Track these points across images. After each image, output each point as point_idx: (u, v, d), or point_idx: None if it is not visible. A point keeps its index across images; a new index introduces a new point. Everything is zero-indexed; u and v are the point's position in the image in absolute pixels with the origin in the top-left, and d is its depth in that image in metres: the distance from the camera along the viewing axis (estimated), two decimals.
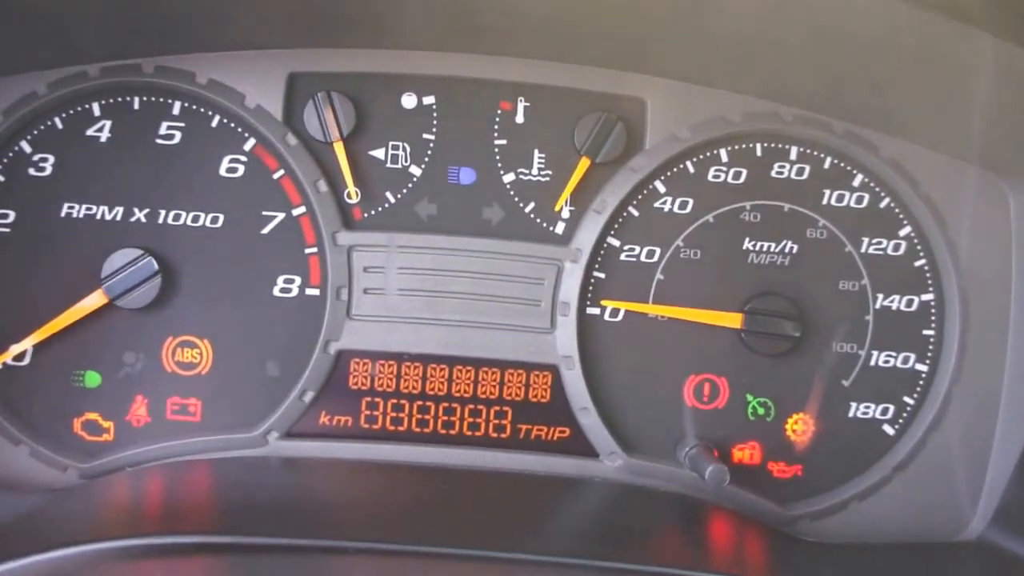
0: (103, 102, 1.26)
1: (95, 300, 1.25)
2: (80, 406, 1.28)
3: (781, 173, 1.30)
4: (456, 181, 1.30)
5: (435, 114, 1.30)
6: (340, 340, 1.28)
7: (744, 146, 1.30)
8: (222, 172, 1.27)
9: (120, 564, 0.92)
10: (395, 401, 1.29)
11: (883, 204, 1.31)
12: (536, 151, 1.30)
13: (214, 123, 1.27)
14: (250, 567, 0.94)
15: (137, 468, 1.26)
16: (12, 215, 1.26)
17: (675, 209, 1.30)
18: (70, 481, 1.27)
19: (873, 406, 1.31)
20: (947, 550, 1.31)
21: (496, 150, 1.30)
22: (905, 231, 1.31)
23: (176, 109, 1.27)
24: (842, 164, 1.31)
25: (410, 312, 1.28)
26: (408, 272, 1.28)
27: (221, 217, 1.27)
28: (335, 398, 1.29)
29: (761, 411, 1.31)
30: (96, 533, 0.95)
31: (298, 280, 1.28)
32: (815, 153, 1.31)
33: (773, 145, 1.30)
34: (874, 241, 1.31)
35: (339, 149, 1.27)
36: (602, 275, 1.30)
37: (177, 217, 1.27)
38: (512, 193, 1.30)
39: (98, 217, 1.27)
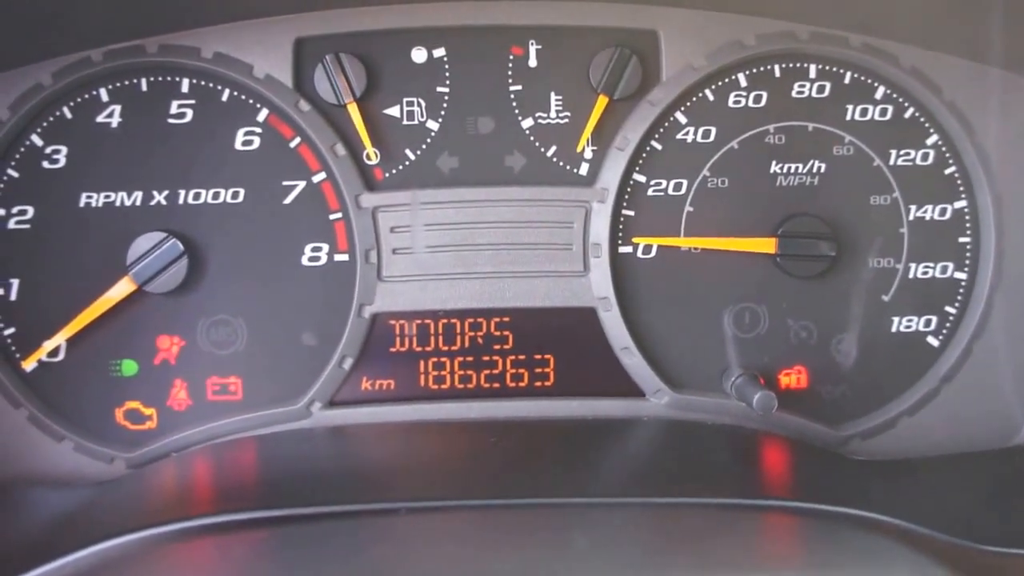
0: (110, 87, 1.24)
1: (124, 288, 1.24)
2: (120, 396, 1.27)
3: (802, 92, 1.28)
4: (475, 132, 1.28)
5: (447, 66, 1.28)
6: (374, 303, 1.27)
7: (762, 69, 1.28)
8: (238, 146, 1.26)
9: (174, 547, 0.91)
10: (436, 359, 1.28)
11: (907, 114, 1.29)
12: (552, 94, 1.28)
13: (224, 97, 1.25)
14: (305, 536, 0.93)
15: (183, 452, 1.25)
16: (31, 210, 1.25)
17: (698, 139, 1.28)
18: (117, 472, 1.26)
19: (915, 319, 1.30)
20: (1000, 456, 1.30)
21: (512, 96, 1.28)
22: (932, 140, 1.29)
23: (185, 87, 1.25)
24: (863, 77, 1.28)
25: (441, 268, 1.27)
26: (435, 228, 1.27)
27: (242, 191, 1.26)
28: (375, 362, 1.28)
29: (804, 334, 1.30)
30: (149, 519, 0.94)
31: (325, 247, 1.27)
32: (834, 69, 1.28)
33: (791, 65, 1.28)
34: (902, 152, 1.29)
35: (353, 111, 1.25)
36: (631, 212, 1.28)
37: (197, 196, 1.26)
38: (532, 138, 1.28)
39: (117, 204, 1.25)
